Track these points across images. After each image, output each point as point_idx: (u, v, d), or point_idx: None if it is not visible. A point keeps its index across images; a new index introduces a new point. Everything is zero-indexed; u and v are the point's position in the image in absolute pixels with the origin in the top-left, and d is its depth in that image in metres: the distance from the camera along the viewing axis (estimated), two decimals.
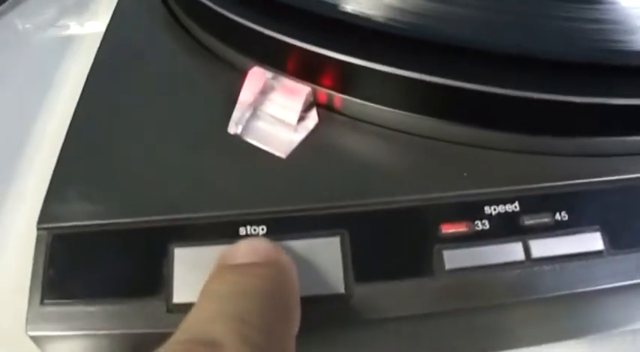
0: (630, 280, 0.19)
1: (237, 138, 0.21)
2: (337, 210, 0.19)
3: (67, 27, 0.39)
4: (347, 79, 0.21)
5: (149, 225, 0.19)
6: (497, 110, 0.20)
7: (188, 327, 0.15)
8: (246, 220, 0.19)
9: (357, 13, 0.20)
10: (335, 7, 0.20)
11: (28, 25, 0.39)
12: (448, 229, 0.19)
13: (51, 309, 0.18)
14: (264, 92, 0.21)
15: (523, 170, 0.20)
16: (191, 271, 0.18)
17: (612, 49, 0.19)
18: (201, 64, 0.24)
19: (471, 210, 0.19)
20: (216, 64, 0.24)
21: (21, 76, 0.34)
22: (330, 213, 0.19)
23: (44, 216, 0.19)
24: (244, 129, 0.21)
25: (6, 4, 0.39)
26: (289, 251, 0.18)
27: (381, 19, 0.20)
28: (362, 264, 0.18)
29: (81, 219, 0.19)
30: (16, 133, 0.31)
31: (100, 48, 0.24)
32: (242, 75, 0.21)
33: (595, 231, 0.19)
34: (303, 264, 0.18)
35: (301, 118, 0.21)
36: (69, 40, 0.37)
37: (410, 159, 0.20)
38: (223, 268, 0.17)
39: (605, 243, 0.19)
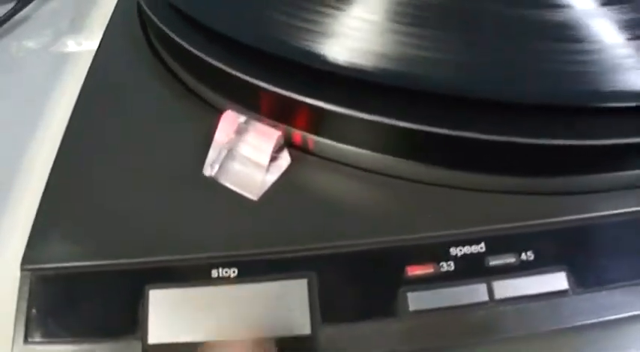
0: (596, 318, 0.19)
1: (211, 180, 0.21)
2: (305, 252, 0.20)
3: (65, 46, 0.39)
4: (319, 122, 0.21)
5: (126, 268, 0.20)
6: (463, 151, 0.20)
7: None
8: (219, 263, 0.19)
9: (329, 59, 0.20)
10: (309, 54, 0.20)
11: (26, 45, 0.39)
12: (413, 271, 0.19)
13: (34, 348, 0.19)
14: (238, 134, 0.21)
15: (489, 210, 0.20)
16: (166, 312, 0.19)
17: (574, 91, 0.19)
18: (181, 101, 0.25)
19: (436, 252, 0.20)
20: (195, 102, 0.24)
21: (15, 100, 0.35)
22: (298, 256, 0.19)
23: (27, 258, 0.20)
24: (218, 171, 0.21)
25: (3, 27, 0.39)
26: (259, 292, 0.19)
27: (350, 65, 0.20)
28: (328, 305, 0.19)
29: (62, 260, 0.20)
30: (12, 153, 0.31)
31: (82, 87, 0.25)
32: (219, 114, 0.22)
33: (560, 270, 0.20)
34: (272, 306, 0.19)
35: (273, 159, 0.21)
36: (65, 61, 0.37)
37: (377, 200, 0.21)
38: None
39: (570, 283, 0.19)
